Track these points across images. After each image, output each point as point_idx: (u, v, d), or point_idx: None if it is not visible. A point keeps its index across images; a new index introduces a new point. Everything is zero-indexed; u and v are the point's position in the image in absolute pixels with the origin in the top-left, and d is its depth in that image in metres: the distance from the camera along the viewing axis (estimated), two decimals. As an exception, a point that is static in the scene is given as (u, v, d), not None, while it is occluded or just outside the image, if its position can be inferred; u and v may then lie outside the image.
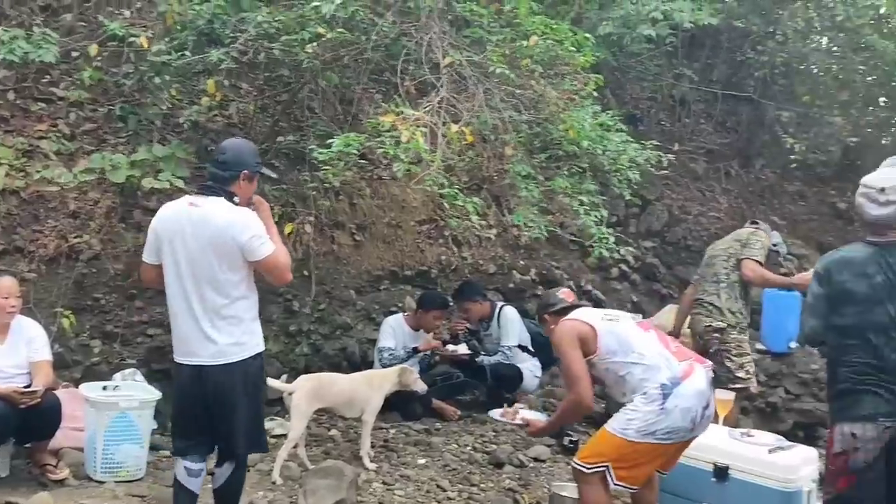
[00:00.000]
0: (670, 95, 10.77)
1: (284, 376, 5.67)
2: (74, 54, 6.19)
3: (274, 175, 4.32)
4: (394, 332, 6.71)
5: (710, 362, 4.26)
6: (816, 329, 3.74)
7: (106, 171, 5.75)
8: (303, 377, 5.46)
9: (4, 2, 6.61)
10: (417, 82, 5.79)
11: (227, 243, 3.81)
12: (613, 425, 3.99)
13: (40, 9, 6.74)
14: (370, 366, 6.70)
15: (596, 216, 5.59)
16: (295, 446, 5.22)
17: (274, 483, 5.04)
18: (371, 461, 5.44)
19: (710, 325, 6.14)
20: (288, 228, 6.32)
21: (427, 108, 5.12)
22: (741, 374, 6.00)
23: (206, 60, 5.67)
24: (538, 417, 4.87)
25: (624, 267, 8.98)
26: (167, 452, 5.44)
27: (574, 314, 4.29)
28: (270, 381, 5.37)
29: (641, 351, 4.05)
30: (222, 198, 3.89)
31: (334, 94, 7.10)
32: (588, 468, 3.98)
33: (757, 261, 6.01)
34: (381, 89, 7.08)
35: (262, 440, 4.17)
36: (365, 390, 5.51)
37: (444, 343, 7.01)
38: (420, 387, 5.74)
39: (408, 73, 5.67)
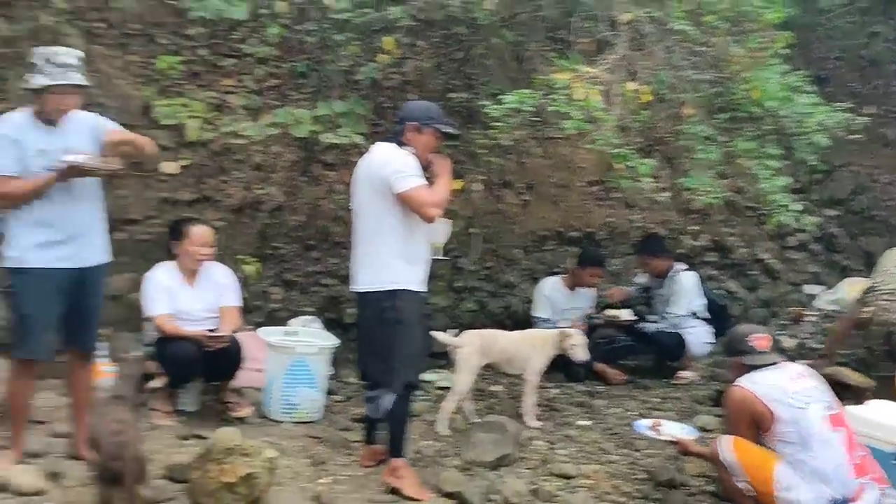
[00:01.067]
0: (860, 55, 10.09)
1: (452, 331, 5.77)
2: (262, 11, 6.42)
3: (453, 131, 4.39)
4: (548, 298, 6.72)
5: (888, 486, 3.82)
6: None
7: (289, 126, 5.97)
8: (470, 332, 5.54)
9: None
10: (594, 40, 5.69)
11: (375, 176, 4.22)
12: (779, 474, 3.78)
13: (231, -33, 7.00)
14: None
15: (779, 182, 5.32)
16: (461, 400, 5.32)
17: (438, 433, 5.17)
18: (535, 420, 5.48)
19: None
20: (457, 185, 6.38)
21: (604, 66, 5.03)
22: None
23: (386, 18, 5.78)
24: (686, 433, 4.68)
25: (803, 236, 8.56)
26: (340, 397, 5.69)
27: (758, 384, 3.91)
28: (437, 335, 5.49)
29: (818, 453, 3.71)
30: (392, 143, 4.30)
31: (508, 53, 7.08)
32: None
33: None
34: (555, 47, 6.99)
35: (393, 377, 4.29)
36: (526, 350, 5.54)
37: (607, 307, 6.95)
38: (578, 356, 5.68)
39: (585, 29, 5.58)
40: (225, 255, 5.95)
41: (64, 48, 4.00)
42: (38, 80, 3.84)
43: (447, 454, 4.88)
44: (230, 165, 6.36)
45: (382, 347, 4.26)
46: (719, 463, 3.92)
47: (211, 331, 4.99)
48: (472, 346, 5.33)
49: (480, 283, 6.98)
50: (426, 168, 4.34)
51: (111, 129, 4.12)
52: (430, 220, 4.20)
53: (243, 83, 6.69)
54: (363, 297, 4.35)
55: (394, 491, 4.22)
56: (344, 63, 6.46)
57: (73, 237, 3.97)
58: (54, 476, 3.93)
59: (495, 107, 5.01)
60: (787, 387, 3.88)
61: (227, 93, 6.58)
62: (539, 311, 6.73)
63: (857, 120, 5.78)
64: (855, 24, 9.60)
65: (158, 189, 6.08)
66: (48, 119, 3.92)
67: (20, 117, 3.93)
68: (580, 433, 5.41)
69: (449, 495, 4.22)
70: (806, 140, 5.55)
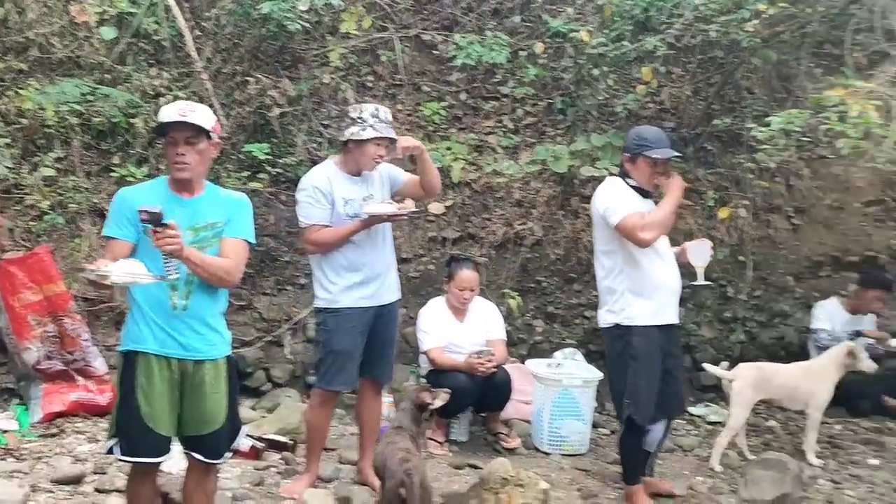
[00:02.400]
0: None
1: (724, 364, 5.57)
2: (521, 53, 6.62)
3: (661, 156, 4.20)
4: (828, 314, 6.31)
5: None
6: None
7: (548, 162, 6.09)
8: (744, 365, 5.33)
9: (456, 9, 7.26)
10: (868, 53, 5.34)
11: (595, 213, 4.33)
12: None
13: (490, 13, 7.28)
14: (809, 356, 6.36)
15: None
16: (735, 435, 5.12)
17: (712, 470, 5.00)
18: (816, 457, 5.16)
19: None
20: (723, 213, 6.21)
21: (881, 80, 4.71)
22: None
23: (641, 49, 5.77)
24: None
25: None
26: (607, 431, 5.66)
27: None
28: (709, 367, 5.34)
29: None
30: (618, 176, 4.37)
31: (771, 72, 6.82)
32: None
33: None
34: (821, 63, 6.66)
35: None
36: (809, 382, 5.23)
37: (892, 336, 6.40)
38: (868, 366, 5.27)
39: (857, 43, 5.26)
40: (489, 289, 6.14)
41: (382, 106, 4.32)
42: (365, 133, 4.15)
43: (722, 491, 4.71)
44: (492, 203, 6.58)
45: (613, 381, 4.42)
46: None
47: (478, 353, 5.11)
48: (746, 380, 5.12)
49: (750, 312, 6.69)
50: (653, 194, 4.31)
51: (404, 177, 4.43)
52: (643, 244, 4.12)
53: (502, 123, 6.92)
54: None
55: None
56: (600, 97, 6.50)
57: (374, 278, 4.27)
58: (345, 500, 4.19)
59: (762, 129, 4.83)
60: None
61: (488, 133, 6.84)
62: (819, 324, 6.31)
63: None
64: None
65: (426, 229, 6.41)
66: (354, 170, 4.26)
67: (329, 170, 4.31)
68: (869, 473, 5.02)
69: (728, 534, 4.08)
70: None
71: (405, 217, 4.34)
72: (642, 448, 4.47)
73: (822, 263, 7.05)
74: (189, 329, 3.13)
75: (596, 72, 6.18)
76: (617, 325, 4.28)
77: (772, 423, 5.91)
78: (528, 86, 6.79)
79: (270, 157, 6.02)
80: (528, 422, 5.49)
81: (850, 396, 5.83)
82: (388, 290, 4.37)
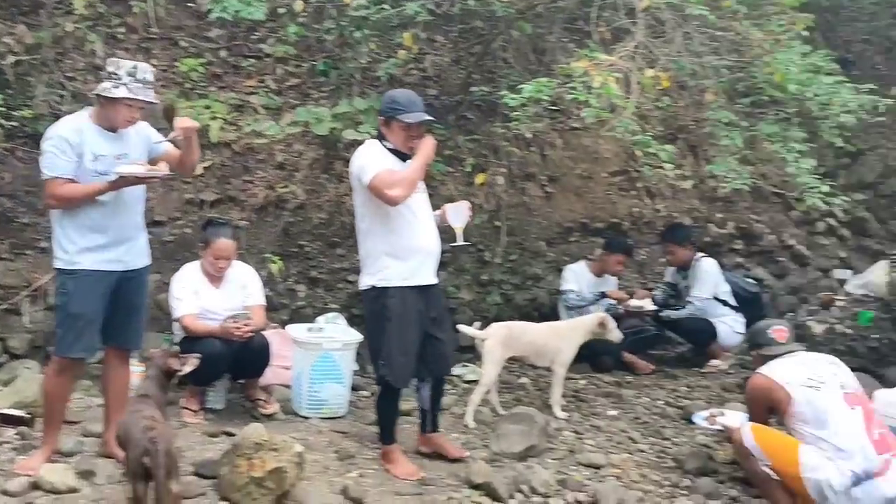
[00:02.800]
0: (887, 37, 9.95)
1: (477, 324, 5.77)
2: (281, 11, 6.46)
3: (413, 120, 4.27)
4: (576, 276, 6.73)
5: None
6: None
7: (310, 124, 6.01)
8: (495, 325, 5.54)
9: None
10: (612, 28, 5.66)
11: (352, 175, 4.33)
12: (804, 455, 3.81)
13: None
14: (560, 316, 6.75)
15: (806, 164, 5.26)
16: (487, 392, 5.32)
17: (466, 426, 5.17)
18: (562, 410, 5.47)
19: None
20: (480, 179, 6.41)
21: (622, 54, 5.00)
22: None
23: (403, 14, 5.79)
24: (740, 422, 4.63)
25: (831, 221, 8.46)
26: (367, 392, 5.71)
27: (776, 370, 4.05)
28: (463, 328, 5.51)
29: (837, 430, 3.79)
30: (376, 139, 4.40)
31: (527, 45, 7.08)
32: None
33: None
34: (574, 38, 6.99)
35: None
36: (555, 341, 5.53)
37: (630, 296, 6.91)
38: (616, 336, 5.68)
39: (602, 18, 5.55)
40: (249, 253, 6.00)
41: (144, 64, 4.03)
42: (116, 91, 3.86)
43: (475, 446, 4.88)
44: (253, 165, 6.42)
45: (371, 343, 4.48)
46: (744, 449, 3.91)
47: (233, 317, 4.98)
48: (496, 338, 5.33)
49: (505, 276, 6.97)
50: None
51: (163, 143, 4.18)
52: (392, 201, 4.15)
53: (264, 83, 6.74)
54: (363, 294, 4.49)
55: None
56: (363, 60, 6.48)
57: (120, 241, 4.03)
58: (86, 474, 3.96)
59: (513, 97, 4.99)
60: (802, 371, 4.00)
61: (249, 93, 6.65)
62: (567, 285, 6.70)
63: (883, 101, 5.70)
64: (880, 4, 9.45)
65: (183, 190, 6.15)
66: (108, 125, 3.97)
67: (82, 121, 3.99)
68: (608, 423, 5.39)
69: (477, 487, 4.23)
70: (831, 122, 5.47)
71: (157, 180, 4.13)
72: (398, 408, 4.57)
73: (571, 229, 7.47)
74: None
75: (358, 35, 6.14)
76: (373, 287, 4.31)
77: (524, 380, 6.19)
78: (291, 45, 6.65)
79: (4, 110, 5.52)
80: (288, 387, 5.43)
81: (594, 353, 6.23)
82: (136, 255, 4.14)
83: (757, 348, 4.36)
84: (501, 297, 6.93)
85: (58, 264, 4.02)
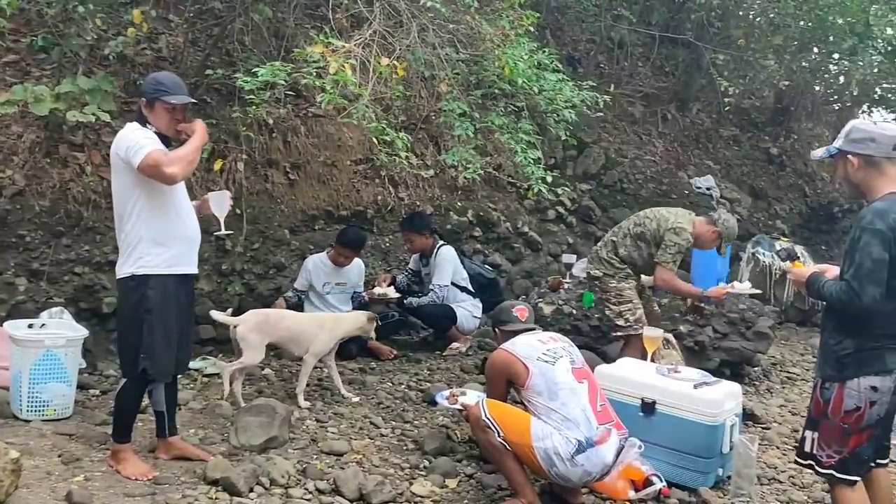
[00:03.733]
0: (609, 38, 10.75)
1: (230, 310, 5.62)
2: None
3: (177, 101, 4.14)
4: (310, 272, 6.77)
5: (627, 431, 4.17)
6: (877, 299, 3.28)
7: (29, 104, 5.54)
8: (251, 311, 5.49)
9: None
10: (350, 15, 5.68)
11: (114, 157, 4.08)
12: (534, 427, 4.03)
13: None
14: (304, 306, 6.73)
15: (532, 156, 5.55)
16: (241, 370, 5.26)
17: (222, 398, 5.20)
18: (304, 400, 5.44)
19: (588, 274, 6.26)
20: (217, 165, 6.22)
21: (358, 41, 5.02)
22: (620, 321, 5.98)
23: (130, -11, 5.49)
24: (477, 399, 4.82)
25: (560, 209, 9.04)
26: (96, 391, 5.39)
27: (517, 345, 4.25)
28: (215, 314, 5.41)
29: (565, 401, 4.04)
30: (136, 122, 4.17)
31: (267, 29, 6.95)
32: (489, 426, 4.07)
33: (669, 268, 5.79)
34: (315, 24, 6.94)
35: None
36: (314, 331, 5.49)
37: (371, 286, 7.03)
38: (372, 333, 5.85)
39: (340, 6, 5.55)
40: (-40, 245, 5.46)
41: None
42: None
43: (213, 441, 4.75)
44: (-37, 148, 5.82)
45: (126, 335, 4.23)
46: (480, 423, 4.08)
47: None
48: (248, 324, 5.24)
49: (248, 264, 6.83)
50: (175, 142, 4.20)
51: None
52: (170, 179, 3.99)
53: (-24, 59, 6.14)
54: (118, 282, 4.22)
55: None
56: (88, 37, 6.07)
57: None
58: None
59: (247, 79, 4.87)
60: (539, 346, 4.24)
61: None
62: (297, 283, 6.73)
63: (603, 98, 6.13)
64: (601, 7, 10.19)
65: None
66: None
67: None
68: (351, 410, 5.43)
69: (214, 482, 4.11)
70: (558, 117, 5.80)
71: None
72: (139, 405, 4.38)
73: (316, 217, 7.43)
74: None
75: (82, 10, 5.73)
76: (132, 276, 4.08)
77: (267, 371, 6.10)
78: (7, 20, 6.08)
79: None
80: (4, 388, 5.00)
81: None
82: None
83: (500, 325, 4.58)
84: (244, 286, 6.79)
85: None
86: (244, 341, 5.22)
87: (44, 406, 4.82)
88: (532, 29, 5.81)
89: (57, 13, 6.02)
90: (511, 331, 4.46)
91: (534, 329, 4.52)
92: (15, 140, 5.96)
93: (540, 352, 4.19)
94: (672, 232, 5.80)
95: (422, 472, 4.54)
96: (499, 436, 4.02)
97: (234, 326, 5.29)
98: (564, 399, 4.04)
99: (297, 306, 6.69)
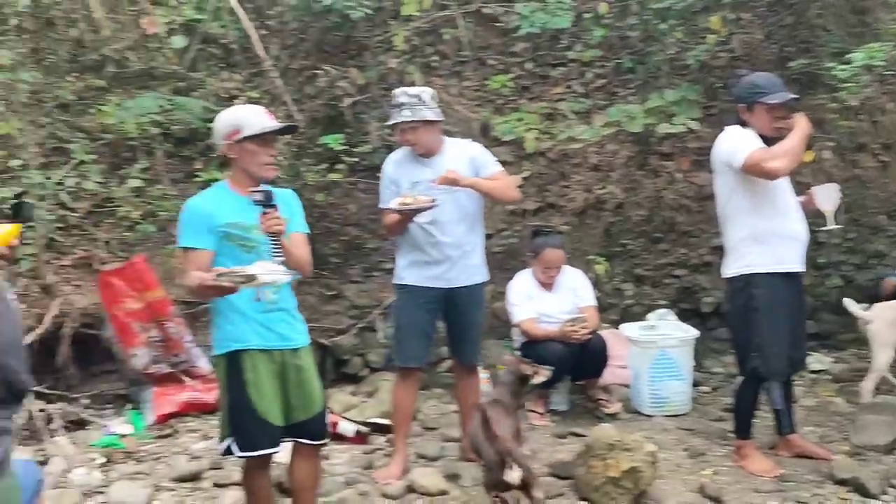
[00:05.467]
0: None
1: (864, 305, 5.34)
2: (586, 15, 6.54)
3: (780, 100, 4.04)
4: None
5: None
6: None
7: (622, 123, 6.02)
8: (880, 305, 5.12)
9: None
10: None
11: (715, 160, 4.16)
12: None
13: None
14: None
15: None
16: (881, 375, 4.97)
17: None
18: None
19: None
20: (808, 157, 6.03)
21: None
22: None
23: (707, -2, 5.65)
24: None
25: None
26: (707, 388, 5.62)
27: None
28: (849, 303, 5.15)
29: None
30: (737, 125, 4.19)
31: (844, 7, 6.59)
32: None
33: None
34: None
35: None
36: None
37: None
38: None
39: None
40: (574, 256, 6.11)
41: (401, 89, 4.34)
42: (391, 119, 4.28)
43: (832, 439, 4.62)
44: (568, 170, 6.53)
45: (737, 334, 4.26)
46: None
47: (571, 320, 5.10)
48: (883, 320, 4.93)
49: (844, 255, 6.52)
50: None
51: (491, 168, 4.35)
52: (773, 174, 3.96)
53: (571, 89, 6.86)
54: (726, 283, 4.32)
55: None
56: (670, 51, 6.39)
57: (441, 260, 4.27)
58: (453, 477, 4.25)
59: (843, 67, 4.67)
60: None
61: (557, 100, 6.79)
62: None
63: None
64: None
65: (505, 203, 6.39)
66: (424, 153, 4.29)
67: (399, 153, 4.39)
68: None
69: (842, 482, 4.00)
70: None
71: (421, 210, 4.12)
72: (757, 402, 4.36)
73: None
74: (282, 321, 3.26)
75: (663, 26, 6.07)
76: (739, 276, 4.17)
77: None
78: (595, 48, 6.71)
79: (346, 147, 6.09)
80: (626, 386, 5.47)
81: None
82: (461, 272, 4.32)
83: None
84: (841, 278, 6.49)
85: (394, 280, 4.45)
86: (878, 336, 4.89)
87: (663, 402, 5.17)
88: None
89: (639, 34, 6.44)
90: None
91: None
92: (611, 157, 6.52)
93: None
94: None
95: None
96: None
97: (866, 322, 4.99)
98: None
99: None
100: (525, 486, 3.55)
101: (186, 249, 3.19)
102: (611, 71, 6.93)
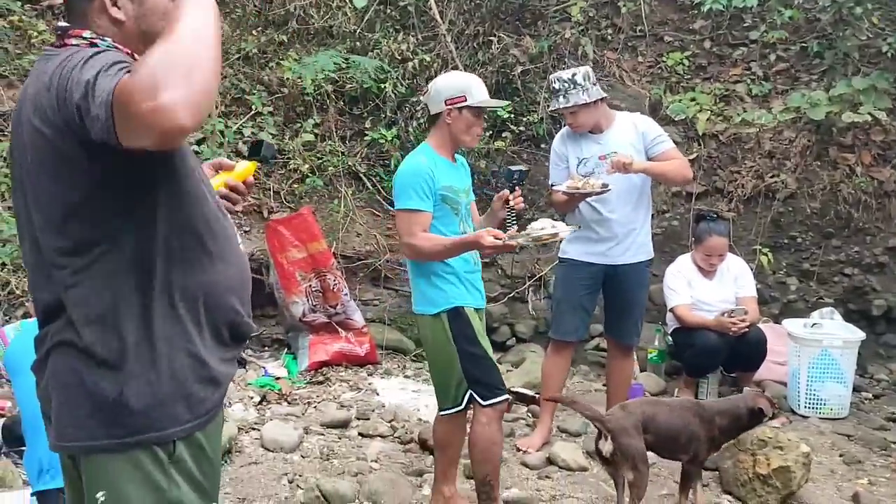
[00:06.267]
0: None
1: None
2: (771, -4, 6.26)
3: None
4: None
5: None
6: None
7: (804, 109, 5.73)
8: None
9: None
10: None
11: None
12: None
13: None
14: None
15: None
16: None
17: None
18: None
19: None
20: None
21: None
22: None
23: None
24: None
25: None
26: (869, 395, 5.34)
27: None
28: None
29: None
30: None
31: None
32: None
33: None
34: None
35: None
36: None
37: None
38: None
39: None
40: (738, 245, 5.91)
41: (555, 75, 4.26)
42: (552, 104, 4.30)
43: None
44: (740, 155, 6.29)
45: None
46: None
47: (729, 312, 4.94)
48: None
49: None
50: None
51: (663, 145, 4.25)
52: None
53: (751, 71, 6.58)
54: None
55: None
56: (863, 36, 6.02)
57: (607, 238, 4.24)
58: (593, 455, 4.20)
59: None
60: None
61: (735, 82, 6.53)
62: None
63: None
64: None
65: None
66: (589, 130, 4.25)
67: (566, 130, 4.35)
68: None
69: None
70: None
71: (590, 195, 4.08)
72: None
73: None
74: (480, 281, 3.47)
75: (858, 10, 5.71)
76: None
77: None
78: (781, 29, 6.39)
79: (513, 116, 6.07)
80: (781, 383, 5.27)
81: None
82: (626, 249, 4.27)
83: None
84: None
85: (558, 253, 4.45)
86: None
87: (821, 404, 4.94)
88: None
89: (830, 18, 6.10)
90: None
91: None
92: (787, 145, 6.22)
93: None
94: None
95: None
96: None
97: None
98: None
99: None
100: (614, 462, 3.45)
101: (412, 211, 3.26)
102: (794, 55, 6.59)
